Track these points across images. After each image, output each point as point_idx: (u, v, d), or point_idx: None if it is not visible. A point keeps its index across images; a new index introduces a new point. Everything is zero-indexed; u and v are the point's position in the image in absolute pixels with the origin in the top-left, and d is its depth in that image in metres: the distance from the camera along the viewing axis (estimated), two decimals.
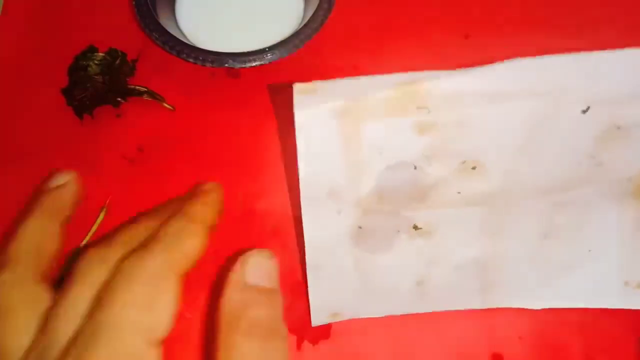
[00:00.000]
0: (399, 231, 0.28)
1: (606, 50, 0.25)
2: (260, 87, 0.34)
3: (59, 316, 0.21)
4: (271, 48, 0.32)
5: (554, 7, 0.37)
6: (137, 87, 0.34)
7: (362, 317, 0.28)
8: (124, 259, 0.23)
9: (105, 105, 0.34)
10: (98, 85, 0.33)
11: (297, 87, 0.25)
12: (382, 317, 0.29)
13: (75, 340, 0.20)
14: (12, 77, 0.35)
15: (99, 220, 0.31)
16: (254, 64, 0.32)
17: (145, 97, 0.34)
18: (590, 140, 0.27)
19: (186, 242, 0.22)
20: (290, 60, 0.32)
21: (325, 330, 0.29)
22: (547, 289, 0.28)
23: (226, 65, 0.32)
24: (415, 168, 0.27)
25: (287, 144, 0.32)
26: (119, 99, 0.34)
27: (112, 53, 0.34)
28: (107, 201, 0.31)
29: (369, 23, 0.37)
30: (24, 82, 0.35)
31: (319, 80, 0.25)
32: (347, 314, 0.28)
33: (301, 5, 0.36)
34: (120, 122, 0.34)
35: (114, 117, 0.34)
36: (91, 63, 0.33)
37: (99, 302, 0.21)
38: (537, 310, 0.29)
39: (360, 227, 0.27)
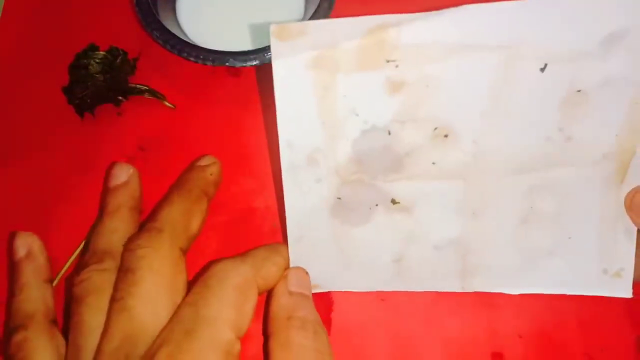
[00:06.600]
0: (377, 205, 0.28)
1: None
2: (261, 85, 0.34)
3: (135, 307, 0.24)
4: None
5: None
6: (138, 86, 0.34)
7: (341, 290, 0.29)
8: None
9: (106, 103, 0.34)
10: (99, 84, 0.33)
11: (274, 29, 0.25)
12: (382, 315, 0.29)
13: (171, 329, 0.23)
14: (13, 76, 0.35)
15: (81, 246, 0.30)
16: (254, 63, 0.32)
17: (146, 95, 0.34)
18: (555, 109, 0.26)
19: (271, 268, 0.27)
20: None
21: (325, 328, 0.29)
22: (526, 275, 0.29)
23: (227, 64, 0.32)
24: (389, 134, 0.27)
25: None
26: (120, 98, 0.34)
27: (113, 51, 0.34)
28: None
29: None
30: (25, 81, 0.35)
31: (293, 22, 0.25)
32: (325, 286, 0.29)
33: (301, 4, 0.36)
34: (121, 120, 0.34)
35: (114, 115, 0.34)
36: (92, 61, 0.33)
37: (196, 295, 0.24)
38: (537, 309, 0.29)
39: (339, 198, 0.28)
